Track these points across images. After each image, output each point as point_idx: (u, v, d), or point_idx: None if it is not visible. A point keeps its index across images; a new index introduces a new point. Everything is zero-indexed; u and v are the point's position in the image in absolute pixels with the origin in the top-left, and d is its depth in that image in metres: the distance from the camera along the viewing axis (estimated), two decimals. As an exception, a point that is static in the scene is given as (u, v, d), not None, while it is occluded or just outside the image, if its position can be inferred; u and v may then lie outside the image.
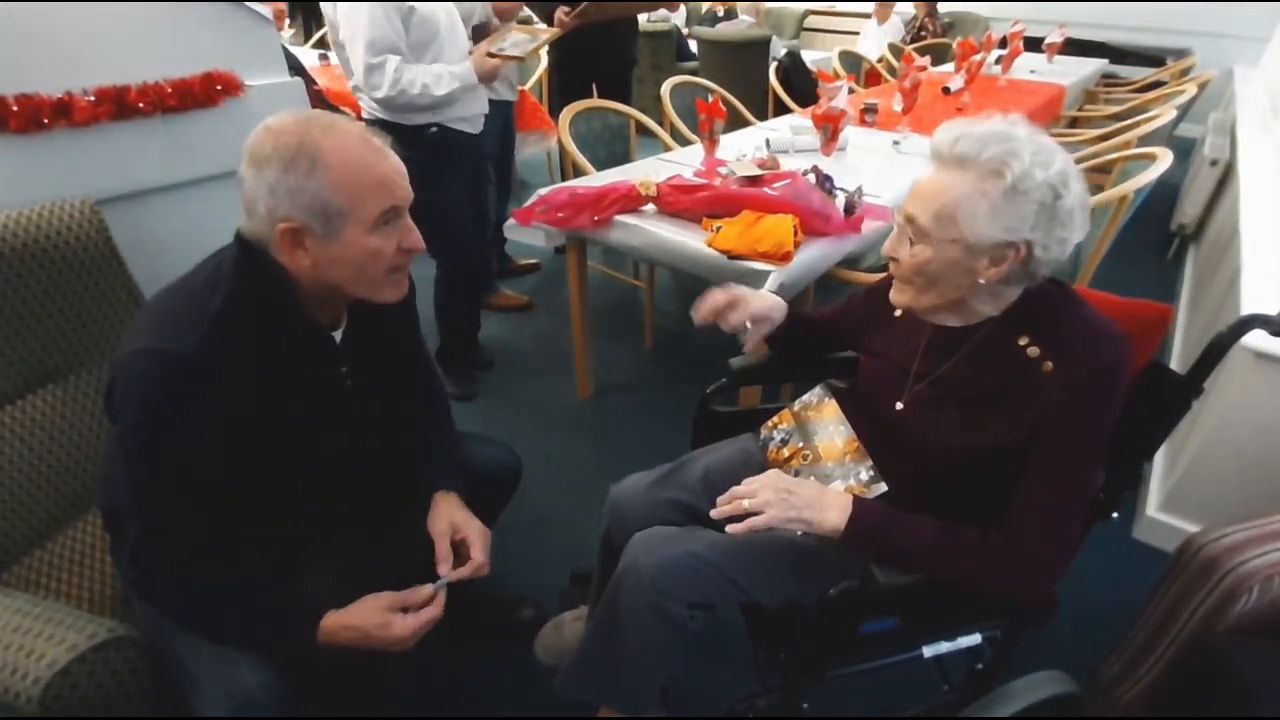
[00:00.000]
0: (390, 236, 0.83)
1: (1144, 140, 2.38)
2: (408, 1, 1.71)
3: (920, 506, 0.86)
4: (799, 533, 0.88)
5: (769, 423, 1.12)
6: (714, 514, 0.86)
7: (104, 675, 0.80)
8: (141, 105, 1.31)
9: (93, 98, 1.26)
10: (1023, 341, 0.84)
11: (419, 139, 1.83)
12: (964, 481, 0.88)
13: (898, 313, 1.03)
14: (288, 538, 0.97)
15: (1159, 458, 1.80)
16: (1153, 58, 5.01)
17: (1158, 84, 4.12)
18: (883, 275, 1.13)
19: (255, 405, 0.83)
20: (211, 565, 0.84)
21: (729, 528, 0.84)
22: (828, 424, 1.04)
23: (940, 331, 0.92)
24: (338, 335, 0.93)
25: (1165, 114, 2.55)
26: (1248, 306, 1.48)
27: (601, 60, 2.79)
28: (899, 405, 0.95)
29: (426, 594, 0.88)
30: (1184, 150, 3.41)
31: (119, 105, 1.29)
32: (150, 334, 0.79)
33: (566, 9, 2.38)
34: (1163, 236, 3.38)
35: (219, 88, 1.40)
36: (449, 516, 0.97)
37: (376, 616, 0.84)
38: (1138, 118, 2.77)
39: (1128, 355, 0.81)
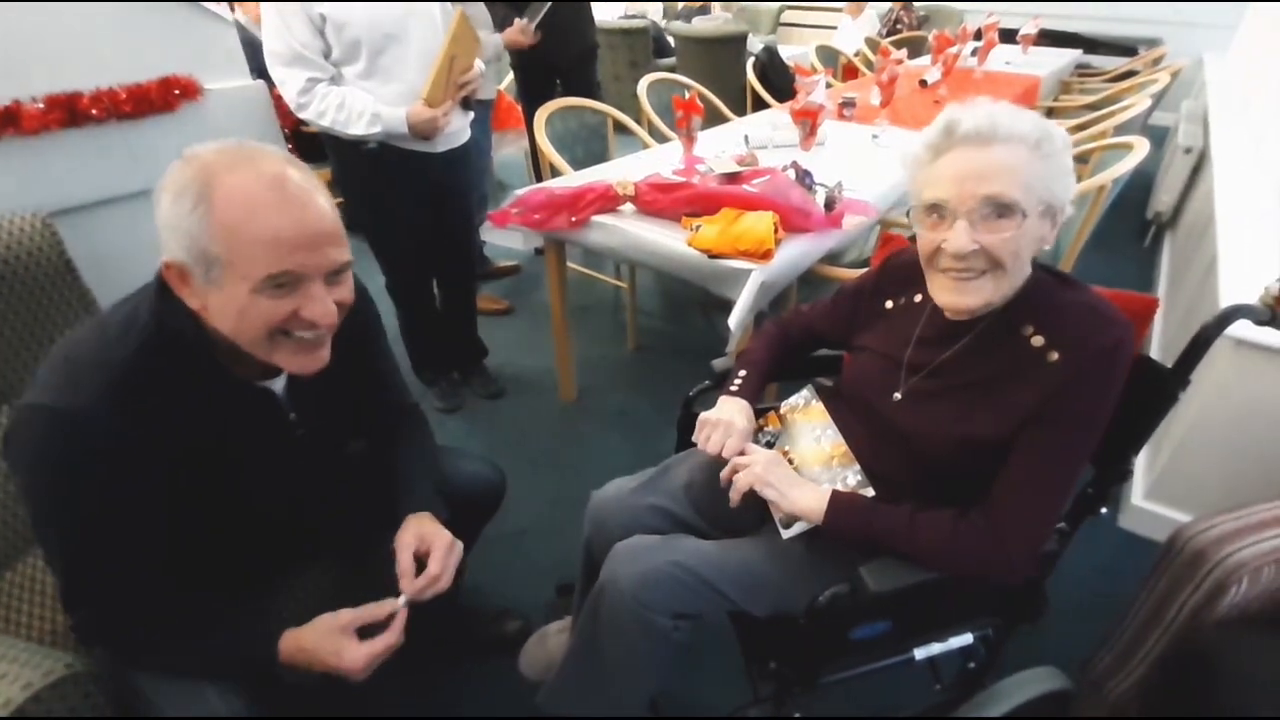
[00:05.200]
0: (283, 302, 0.71)
1: (1119, 129, 2.39)
2: (315, 2, 1.45)
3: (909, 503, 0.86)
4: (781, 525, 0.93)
5: (755, 424, 1.09)
6: (723, 475, 0.96)
7: (62, 713, 0.76)
8: (94, 112, 1.27)
9: (42, 105, 1.21)
10: (1027, 332, 0.83)
11: (355, 154, 1.63)
12: (956, 475, 0.87)
13: (889, 304, 1.02)
14: (250, 572, 0.93)
15: (1144, 446, 1.80)
16: (1125, 47, 5.07)
17: (1130, 73, 4.16)
18: (864, 272, 1.12)
19: (181, 462, 0.76)
20: (153, 605, 0.79)
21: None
22: (814, 426, 1.02)
23: (938, 322, 0.91)
24: (279, 384, 0.85)
25: (1139, 103, 2.56)
26: (1226, 294, 1.49)
27: (559, 54, 2.69)
28: (896, 395, 0.93)
29: (386, 610, 0.83)
30: (1158, 138, 3.44)
31: (70, 113, 1.24)
32: (46, 387, 0.71)
33: (520, 26, 2.33)
34: (1139, 224, 3.41)
35: (176, 92, 1.36)
36: (416, 529, 0.91)
37: (329, 641, 0.79)
38: (1112, 107, 2.79)
39: (1130, 338, 0.80)
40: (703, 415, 1.03)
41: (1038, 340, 0.82)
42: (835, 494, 0.89)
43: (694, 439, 1.02)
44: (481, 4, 2.03)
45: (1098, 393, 0.79)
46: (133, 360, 0.72)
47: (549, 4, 2.25)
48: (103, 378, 0.70)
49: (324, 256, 0.72)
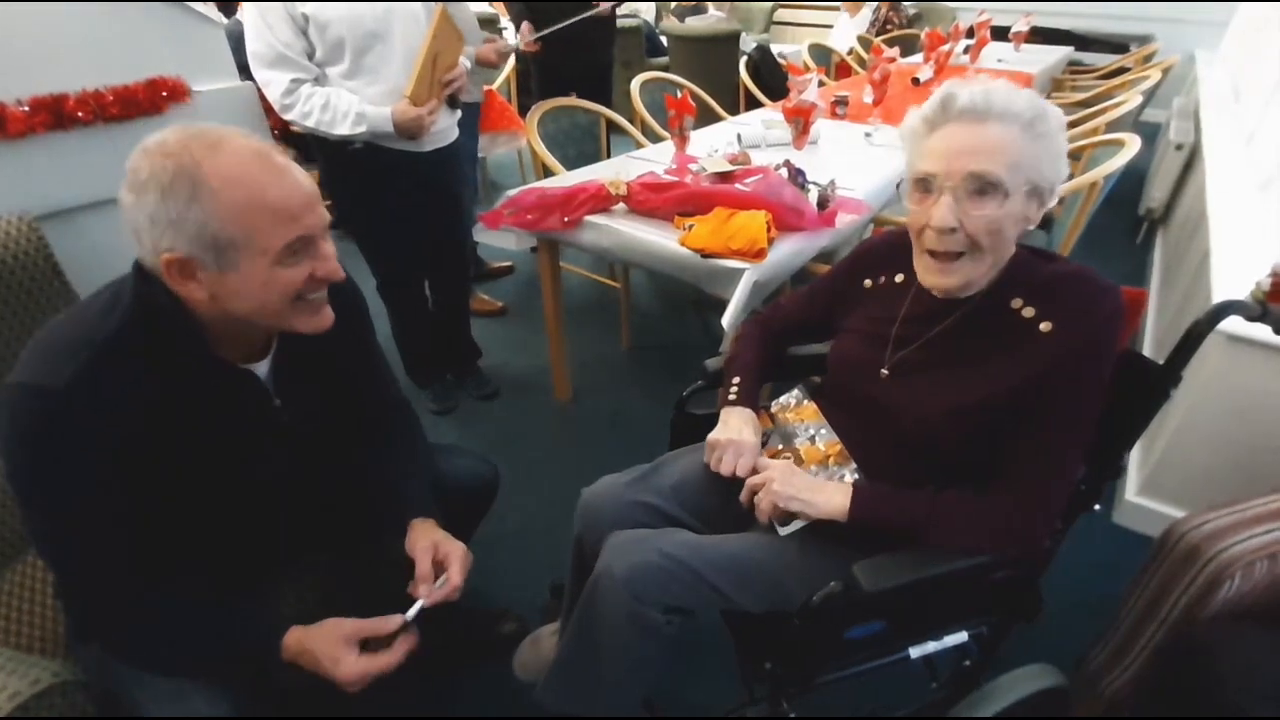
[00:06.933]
0: (301, 267, 0.74)
1: (1111, 126, 2.40)
2: (298, 2, 1.44)
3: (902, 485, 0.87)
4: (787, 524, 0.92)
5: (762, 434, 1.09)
6: (742, 497, 0.95)
7: (49, 721, 0.76)
8: (81, 114, 1.25)
9: (27, 108, 1.20)
10: (1015, 304, 0.85)
11: (342, 154, 1.62)
12: (944, 459, 0.88)
13: (867, 283, 1.02)
14: (245, 565, 0.92)
15: (1136, 442, 1.81)
16: (1116, 44, 5.09)
17: (1122, 70, 4.17)
18: (838, 263, 1.11)
19: (163, 443, 0.75)
20: (149, 595, 0.78)
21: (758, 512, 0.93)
22: (808, 426, 1.01)
23: (926, 301, 0.91)
24: (263, 367, 0.85)
25: (1131, 100, 2.57)
26: (1218, 289, 1.49)
27: (580, 65, 2.71)
28: (883, 372, 0.94)
29: (395, 625, 0.83)
30: (1149, 135, 3.45)
31: (56, 115, 1.23)
32: (26, 366, 0.71)
33: (529, 40, 2.33)
34: (1132, 220, 3.43)
35: (164, 94, 1.35)
36: (430, 536, 0.92)
37: (330, 648, 0.79)
38: (1104, 104, 2.80)
39: (1122, 301, 0.82)
40: (711, 437, 1.02)
41: (1028, 312, 0.84)
42: (857, 487, 0.89)
43: (706, 461, 1.01)
44: (469, 6, 2.02)
45: (1103, 363, 0.81)
46: (114, 338, 0.72)
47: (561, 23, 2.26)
48: (84, 355, 0.70)
49: (321, 215, 0.75)
